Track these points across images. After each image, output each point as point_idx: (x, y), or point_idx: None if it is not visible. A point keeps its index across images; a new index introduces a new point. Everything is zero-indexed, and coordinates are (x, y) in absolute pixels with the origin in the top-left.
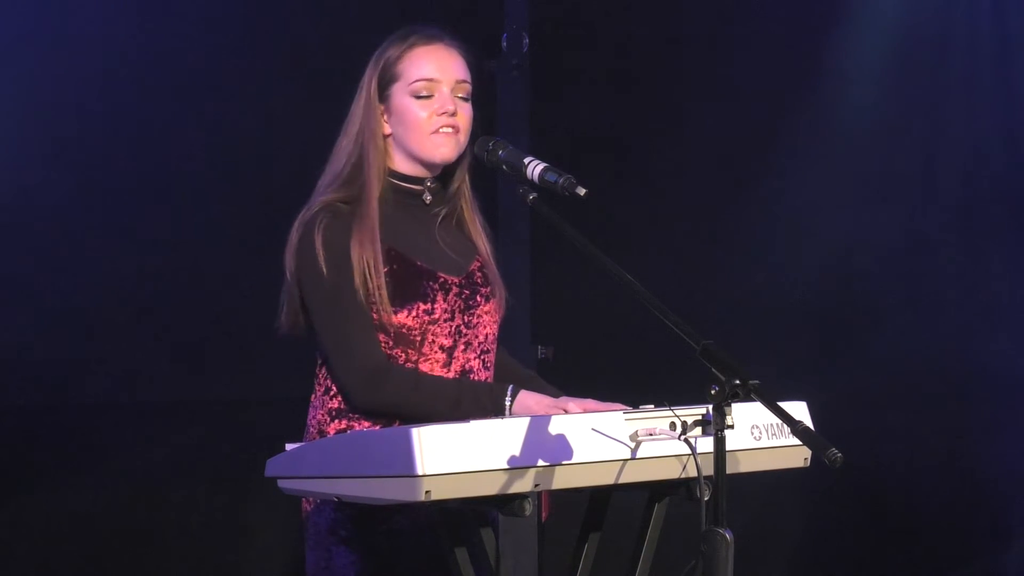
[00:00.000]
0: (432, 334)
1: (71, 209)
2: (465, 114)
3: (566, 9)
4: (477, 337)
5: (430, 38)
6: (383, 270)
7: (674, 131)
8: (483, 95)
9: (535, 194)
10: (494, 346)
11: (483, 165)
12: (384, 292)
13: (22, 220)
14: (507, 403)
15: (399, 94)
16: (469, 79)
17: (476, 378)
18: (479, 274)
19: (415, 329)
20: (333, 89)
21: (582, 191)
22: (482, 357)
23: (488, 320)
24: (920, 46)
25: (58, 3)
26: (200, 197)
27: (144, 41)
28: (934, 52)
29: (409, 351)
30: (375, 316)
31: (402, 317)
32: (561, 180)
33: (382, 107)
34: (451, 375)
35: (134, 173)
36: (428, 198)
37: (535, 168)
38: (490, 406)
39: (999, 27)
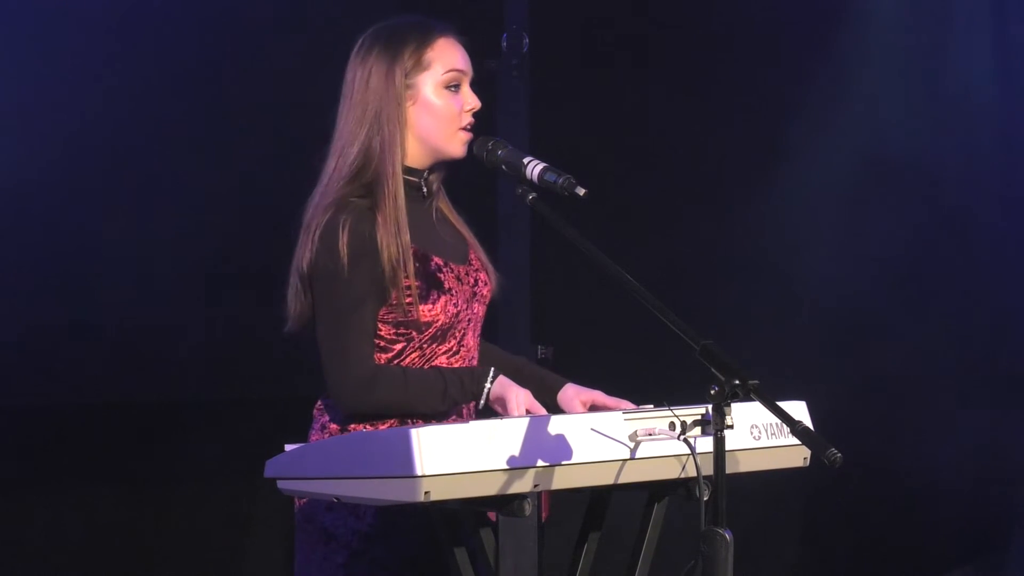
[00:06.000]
0: (455, 325)
1: (70, 208)
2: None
3: (566, 9)
4: (478, 320)
5: (445, 29)
6: (412, 268)
7: (675, 131)
8: (483, 95)
9: (535, 194)
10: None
11: (483, 165)
12: (415, 291)
13: (20, 218)
14: (487, 386)
15: (427, 84)
16: None
17: (474, 356)
18: (476, 260)
19: (446, 323)
20: (331, 84)
21: (582, 191)
22: (477, 338)
23: (484, 302)
24: (919, 44)
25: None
26: (203, 196)
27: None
28: (932, 51)
29: (434, 344)
30: (408, 314)
31: (435, 312)
32: (561, 180)
33: (408, 94)
34: (457, 360)
35: (135, 172)
36: (426, 190)
37: (535, 168)
38: (474, 389)
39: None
